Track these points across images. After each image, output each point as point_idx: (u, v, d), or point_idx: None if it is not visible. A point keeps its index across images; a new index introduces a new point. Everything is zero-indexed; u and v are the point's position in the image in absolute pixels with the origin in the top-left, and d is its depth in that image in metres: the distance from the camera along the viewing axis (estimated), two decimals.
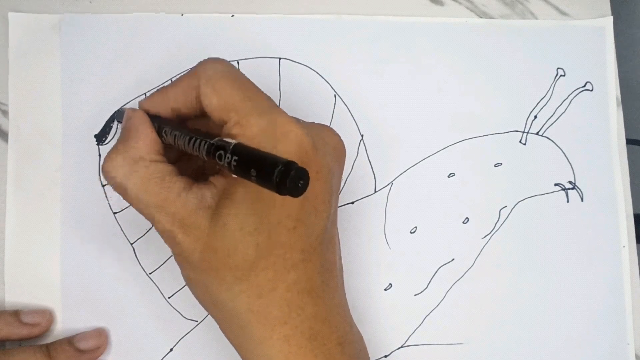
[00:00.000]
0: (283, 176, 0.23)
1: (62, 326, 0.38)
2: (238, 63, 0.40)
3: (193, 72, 0.31)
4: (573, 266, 0.41)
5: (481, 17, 0.43)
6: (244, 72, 0.40)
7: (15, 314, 0.36)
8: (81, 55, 0.40)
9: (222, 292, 0.30)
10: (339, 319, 0.32)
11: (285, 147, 0.29)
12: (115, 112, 0.39)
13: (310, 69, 0.41)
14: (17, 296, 0.38)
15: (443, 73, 0.42)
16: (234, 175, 0.27)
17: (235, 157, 0.26)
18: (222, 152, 0.26)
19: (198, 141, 0.29)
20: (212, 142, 0.28)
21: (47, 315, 0.37)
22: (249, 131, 0.29)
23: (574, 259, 0.41)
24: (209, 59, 0.31)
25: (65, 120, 0.39)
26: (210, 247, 0.29)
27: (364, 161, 0.41)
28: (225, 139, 0.27)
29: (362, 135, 0.41)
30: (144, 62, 0.40)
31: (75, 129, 0.39)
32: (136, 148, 0.31)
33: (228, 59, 0.40)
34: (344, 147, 0.33)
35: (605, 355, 0.40)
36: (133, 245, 0.39)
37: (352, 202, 0.40)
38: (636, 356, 0.40)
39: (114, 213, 0.39)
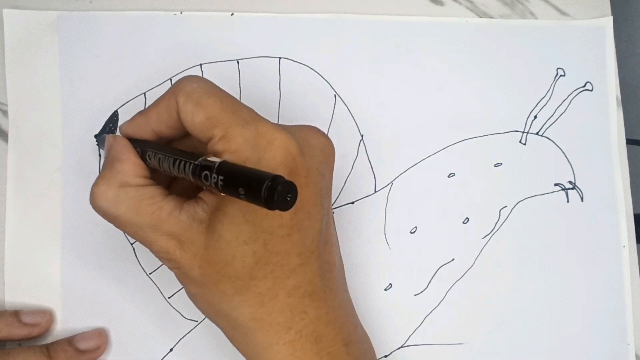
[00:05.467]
0: (271, 191, 0.23)
1: (62, 326, 0.38)
2: (238, 62, 0.40)
3: (171, 91, 0.30)
4: (573, 266, 0.41)
5: (481, 17, 0.43)
6: (243, 72, 0.40)
7: (16, 314, 0.36)
8: (80, 54, 0.40)
9: (223, 303, 0.30)
10: (343, 319, 0.32)
11: (272, 155, 0.28)
12: (96, 136, 0.39)
13: (311, 68, 0.41)
14: (17, 296, 0.38)
15: (443, 73, 0.42)
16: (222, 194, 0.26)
17: (221, 177, 0.25)
18: (207, 172, 0.26)
19: (182, 163, 0.28)
20: (196, 162, 0.27)
21: (47, 316, 0.37)
22: (234, 144, 0.28)
23: (574, 259, 0.41)
24: (185, 76, 0.31)
25: (65, 120, 0.39)
26: (208, 260, 0.29)
27: (364, 161, 0.41)
28: (209, 159, 0.27)
29: (362, 135, 0.41)
30: (143, 61, 0.40)
31: (75, 129, 0.39)
32: (122, 173, 0.31)
33: (228, 58, 0.40)
34: (332, 146, 0.32)
35: (606, 355, 0.40)
36: (133, 245, 0.39)
37: (352, 202, 0.40)
38: (636, 356, 0.40)
39: None
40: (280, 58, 0.41)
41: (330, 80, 0.41)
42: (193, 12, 0.41)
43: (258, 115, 0.30)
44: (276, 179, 0.23)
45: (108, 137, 0.33)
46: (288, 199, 0.23)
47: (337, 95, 0.41)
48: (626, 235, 0.41)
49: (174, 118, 0.30)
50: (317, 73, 0.41)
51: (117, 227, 0.31)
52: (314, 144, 0.31)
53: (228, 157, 0.28)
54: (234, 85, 0.40)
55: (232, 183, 0.25)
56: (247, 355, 0.31)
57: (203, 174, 0.26)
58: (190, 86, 0.30)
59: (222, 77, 0.39)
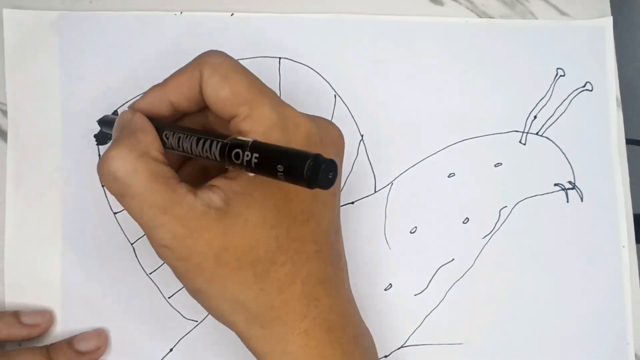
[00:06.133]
0: (314, 170, 0.23)
1: (62, 326, 0.38)
2: None
3: (195, 62, 0.29)
4: (573, 266, 0.41)
5: (481, 17, 0.43)
6: None
7: (16, 315, 0.36)
8: (80, 54, 0.40)
9: (243, 292, 0.29)
10: (352, 311, 0.33)
11: (297, 138, 0.28)
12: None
13: (311, 68, 0.41)
14: (17, 296, 0.38)
15: (443, 73, 0.42)
16: (250, 175, 0.26)
17: (255, 155, 0.25)
18: (239, 150, 0.25)
19: (209, 142, 0.27)
20: (225, 141, 0.26)
21: (47, 316, 0.37)
22: (262, 125, 0.28)
23: (573, 259, 0.41)
24: (211, 50, 0.30)
25: (65, 120, 0.39)
26: (227, 247, 0.28)
27: (364, 161, 0.41)
28: (239, 137, 0.26)
29: (362, 135, 0.41)
30: (143, 61, 0.40)
31: (75, 129, 0.39)
32: (145, 143, 0.29)
33: None
34: (344, 141, 0.33)
35: (605, 355, 0.40)
36: (133, 245, 0.39)
37: (352, 202, 0.40)
38: (636, 356, 0.40)
39: (114, 213, 0.39)
40: (280, 58, 0.41)
41: (330, 80, 0.41)
42: (193, 12, 0.40)
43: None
44: (318, 158, 0.23)
45: (124, 112, 0.31)
46: (330, 177, 0.23)
47: (337, 95, 0.41)
48: (626, 236, 0.41)
49: (195, 90, 0.29)
50: (317, 73, 0.41)
51: (123, 200, 0.28)
52: (331, 135, 0.31)
53: (257, 138, 0.27)
54: None
55: (269, 161, 0.24)
56: (260, 351, 0.30)
57: (234, 152, 0.26)
58: (217, 59, 0.29)
59: None
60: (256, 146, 0.25)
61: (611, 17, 0.43)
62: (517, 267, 0.40)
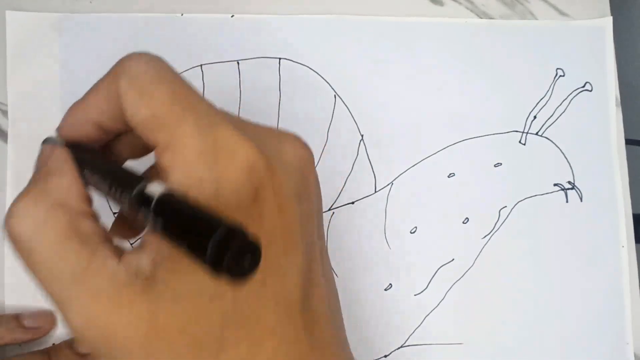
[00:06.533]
0: (218, 250, 0.16)
1: (62, 327, 0.37)
2: (238, 63, 0.40)
3: (113, 72, 0.23)
4: (572, 266, 0.41)
5: (481, 17, 0.43)
6: (243, 73, 0.40)
7: (17, 319, 0.36)
8: (81, 55, 0.40)
9: None
10: None
11: (232, 174, 0.21)
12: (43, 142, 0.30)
13: (310, 69, 0.41)
14: (17, 297, 0.38)
15: (443, 73, 0.42)
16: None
17: (159, 219, 0.18)
18: (145, 209, 0.19)
19: (119, 191, 0.21)
20: (132, 194, 0.20)
21: (49, 317, 0.37)
22: (181, 158, 0.21)
23: (573, 259, 0.41)
24: (132, 53, 0.23)
25: None
26: (158, 326, 0.20)
27: (364, 161, 0.41)
28: (149, 188, 0.19)
29: (362, 135, 0.41)
30: None
31: None
32: (58, 190, 0.22)
33: (228, 59, 0.40)
34: (311, 155, 0.25)
35: (605, 355, 0.40)
36: (133, 245, 0.39)
37: (352, 202, 0.40)
38: (635, 356, 0.40)
39: (114, 213, 0.39)
40: (280, 58, 0.41)
41: (330, 80, 0.41)
42: (194, 14, 0.40)
43: (219, 113, 0.22)
44: (231, 232, 0.16)
45: (44, 147, 0.25)
46: (246, 264, 0.16)
47: (337, 95, 0.41)
48: (625, 235, 0.41)
49: (116, 107, 0.22)
50: (317, 73, 0.41)
51: (28, 266, 0.21)
52: (288, 157, 0.23)
53: (177, 177, 0.21)
54: (234, 85, 0.40)
55: (174, 229, 0.18)
56: None
57: (141, 209, 0.19)
58: (136, 68, 0.22)
59: (222, 78, 0.39)
60: (160, 205, 0.19)
61: (611, 17, 0.43)
62: (517, 267, 0.41)
